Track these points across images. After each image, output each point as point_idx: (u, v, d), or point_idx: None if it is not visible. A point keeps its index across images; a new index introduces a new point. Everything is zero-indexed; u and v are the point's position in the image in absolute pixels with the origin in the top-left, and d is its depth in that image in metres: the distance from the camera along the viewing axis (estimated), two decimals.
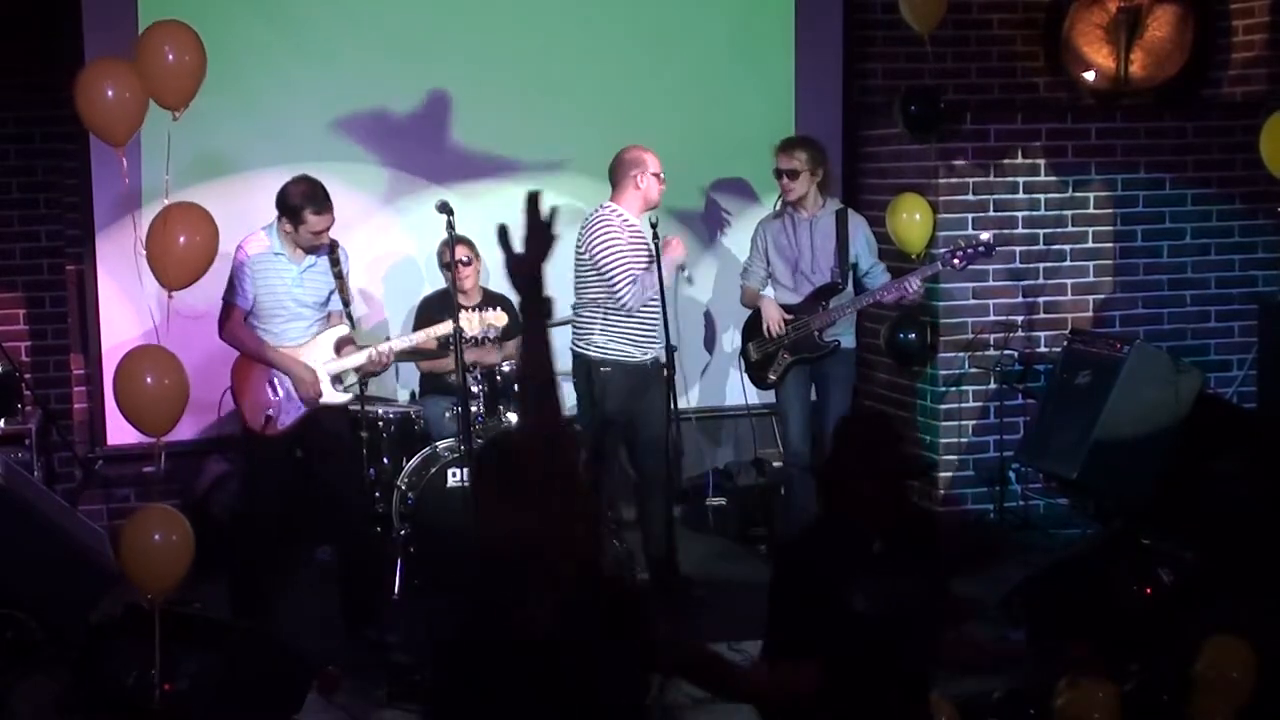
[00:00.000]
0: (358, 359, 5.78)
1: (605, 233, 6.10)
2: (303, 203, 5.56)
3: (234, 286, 5.63)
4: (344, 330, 5.81)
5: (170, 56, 4.76)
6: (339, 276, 5.73)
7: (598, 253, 6.08)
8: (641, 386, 6.21)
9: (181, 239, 4.73)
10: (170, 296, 4.79)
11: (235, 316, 5.65)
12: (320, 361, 5.73)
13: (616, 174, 6.27)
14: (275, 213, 5.66)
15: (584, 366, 6.22)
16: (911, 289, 6.39)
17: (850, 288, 6.58)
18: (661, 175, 6.24)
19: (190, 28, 4.87)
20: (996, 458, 7.08)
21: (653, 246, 6.12)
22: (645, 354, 6.20)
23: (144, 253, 4.80)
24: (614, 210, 6.18)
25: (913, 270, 6.56)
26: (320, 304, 5.76)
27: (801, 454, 6.59)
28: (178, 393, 4.75)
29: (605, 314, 6.16)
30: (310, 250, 5.66)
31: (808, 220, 6.49)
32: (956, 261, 6.47)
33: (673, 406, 6.01)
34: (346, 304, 5.77)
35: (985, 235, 6.54)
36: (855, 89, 7.83)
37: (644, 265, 6.12)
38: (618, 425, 6.25)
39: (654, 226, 6.14)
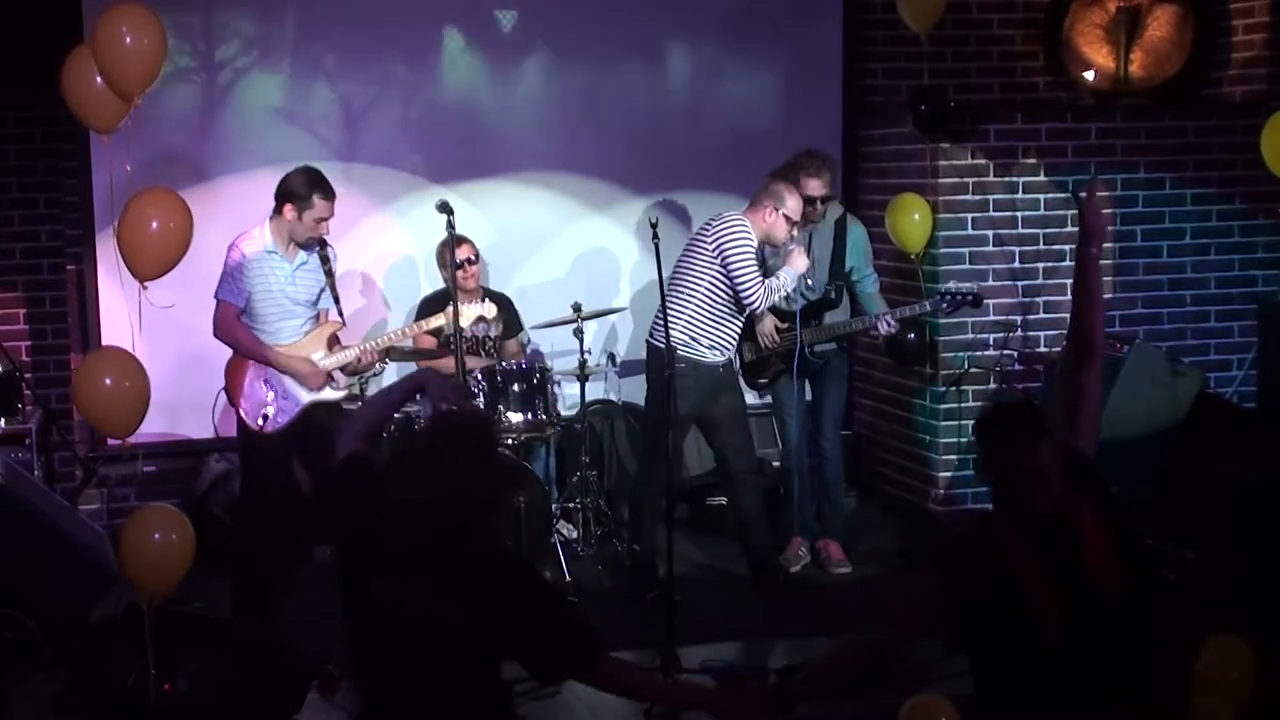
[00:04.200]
0: (348, 355, 5.79)
1: (743, 238, 6.06)
2: (311, 189, 5.57)
3: (228, 285, 5.61)
4: (335, 327, 5.82)
5: (128, 40, 4.52)
6: (329, 274, 5.74)
7: (731, 255, 6.04)
8: (714, 389, 6.20)
9: (154, 225, 4.61)
10: (144, 288, 4.63)
11: (230, 315, 5.63)
12: (314, 359, 5.74)
13: (757, 195, 6.22)
14: (273, 205, 5.64)
15: (658, 360, 6.05)
16: (885, 328, 6.39)
17: (845, 301, 6.56)
18: (795, 220, 6.16)
19: (150, 10, 4.61)
20: None
21: (654, 247, 6.10)
22: (720, 356, 6.21)
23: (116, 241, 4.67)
24: (745, 223, 6.12)
25: (907, 300, 6.67)
26: (311, 302, 5.77)
27: (800, 452, 6.58)
28: (138, 396, 4.61)
29: (695, 312, 6.11)
30: (306, 243, 5.65)
31: (807, 231, 6.43)
32: (945, 306, 6.52)
33: (673, 407, 6.00)
34: (336, 301, 5.78)
35: (973, 287, 6.57)
36: (855, 89, 7.83)
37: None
38: (686, 424, 6.24)
39: (654, 226, 6.12)
